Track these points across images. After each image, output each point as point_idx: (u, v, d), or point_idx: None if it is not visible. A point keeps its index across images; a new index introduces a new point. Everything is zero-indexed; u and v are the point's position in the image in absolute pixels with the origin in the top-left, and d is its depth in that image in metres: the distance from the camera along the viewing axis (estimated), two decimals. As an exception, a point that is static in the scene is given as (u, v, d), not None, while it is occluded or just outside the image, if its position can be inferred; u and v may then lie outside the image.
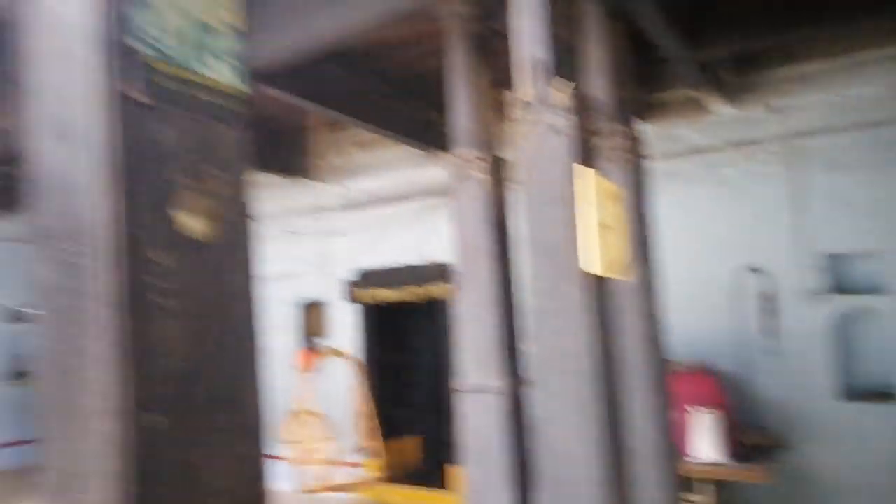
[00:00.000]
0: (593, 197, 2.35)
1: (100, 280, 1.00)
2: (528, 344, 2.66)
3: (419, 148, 5.94)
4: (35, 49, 1.07)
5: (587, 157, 2.44)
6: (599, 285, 2.43)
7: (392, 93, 5.47)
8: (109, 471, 1.02)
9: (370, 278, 7.24)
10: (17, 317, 9.07)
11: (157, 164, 1.04)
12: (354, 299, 7.49)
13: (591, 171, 2.40)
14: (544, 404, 2.66)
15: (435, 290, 6.65)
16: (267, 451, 1.22)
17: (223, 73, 1.13)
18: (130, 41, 0.99)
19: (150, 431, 1.02)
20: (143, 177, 1.02)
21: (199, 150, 1.09)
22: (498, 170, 3.42)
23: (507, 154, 3.62)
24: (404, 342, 8.35)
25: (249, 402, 1.17)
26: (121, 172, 0.99)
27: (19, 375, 9.90)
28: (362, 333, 7.65)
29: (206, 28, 1.10)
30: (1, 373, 9.39)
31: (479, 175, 3.37)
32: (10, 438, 8.95)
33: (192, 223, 1.08)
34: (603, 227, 2.38)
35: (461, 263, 3.47)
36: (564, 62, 2.52)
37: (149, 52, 1.01)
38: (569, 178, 2.38)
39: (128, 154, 1.00)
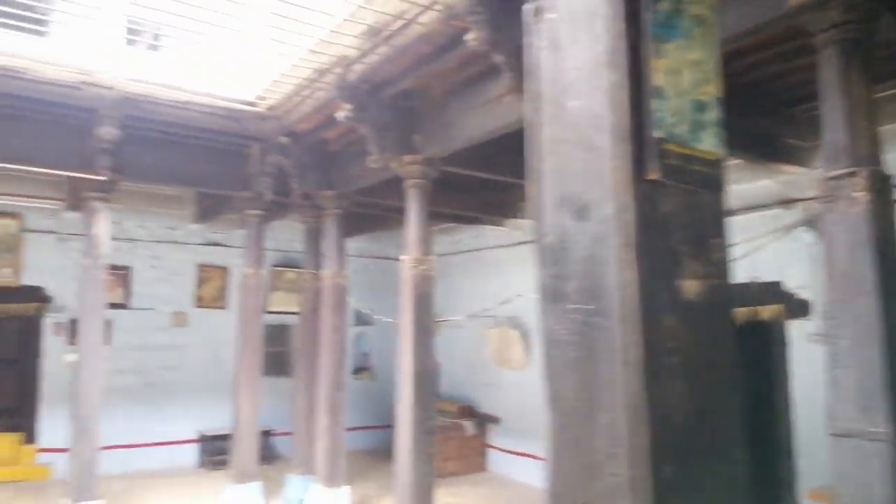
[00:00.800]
0: None
1: (617, 339, 1.13)
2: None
3: (748, 160, 5.56)
4: (551, 139, 1.25)
5: None
6: None
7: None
8: (623, 509, 1.14)
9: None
10: (363, 320, 10.69)
11: (665, 235, 1.14)
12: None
13: None
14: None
15: (762, 311, 6.14)
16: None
17: (709, 143, 1.20)
18: (649, 129, 1.11)
19: (659, 478, 1.12)
20: (654, 248, 1.13)
21: (696, 219, 1.18)
22: (881, 188, 3.03)
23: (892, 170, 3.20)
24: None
25: (736, 454, 1.22)
26: (637, 245, 1.12)
27: (360, 370, 11.63)
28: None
29: (698, 104, 1.19)
30: (350, 368, 11.12)
31: (856, 194, 3.02)
32: (356, 424, 10.54)
33: (690, 286, 1.17)
34: None
35: (833, 293, 3.14)
36: None
37: (661, 135, 1.12)
38: None
39: (642, 228, 1.12)
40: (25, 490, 8.13)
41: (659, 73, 1.12)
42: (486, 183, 7.39)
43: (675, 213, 1.15)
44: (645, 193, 1.12)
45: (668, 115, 1.13)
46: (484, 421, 9.65)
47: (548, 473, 1.28)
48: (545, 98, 1.27)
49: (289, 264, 10.27)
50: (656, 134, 1.12)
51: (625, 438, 1.12)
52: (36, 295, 8.78)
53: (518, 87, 4.20)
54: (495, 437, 9.57)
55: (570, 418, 1.23)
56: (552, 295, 1.25)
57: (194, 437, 9.76)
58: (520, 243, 8.86)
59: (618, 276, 1.12)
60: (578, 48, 1.20)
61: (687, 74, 1.17)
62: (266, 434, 9.41)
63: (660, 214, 1.14)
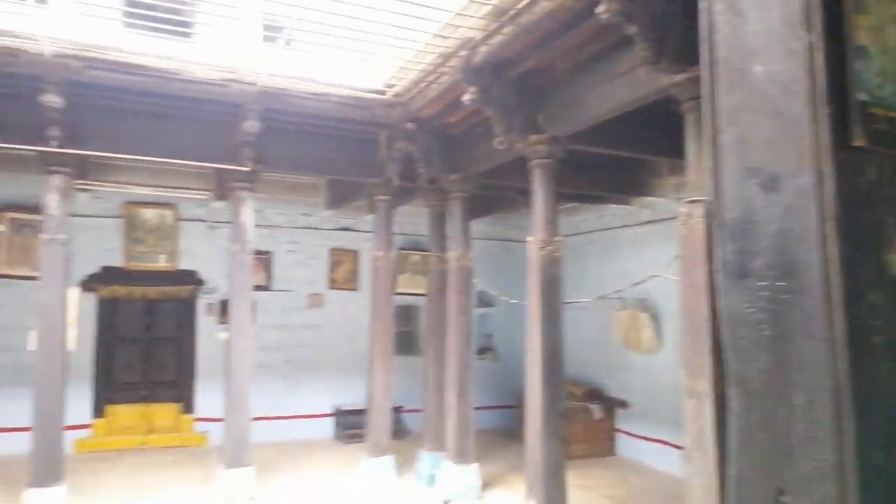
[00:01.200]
0: None
1: (817, 317, 1.07)
2: None
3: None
4: (731, 107, 1.20)
5: None
6: None
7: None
8: (823, 495, 1.08)
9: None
10: (486, 301, 10.80)
11: (870, 207, 1.06)
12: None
13: None
14: None
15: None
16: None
17: (919, 104, 1.10)
18: (851, 92, 1.03)
19: (867, 465, 1.05)
20: (858, 221, 1.05)
21: (905, 188, 1.08)
22: None
23: None
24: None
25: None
26: (838, 218, 1.04)
27: (484, 351, 11.76)
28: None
29: (905, 62, 1.08)
30: (474, 349, 11.28)
31: None
32: (480, 403, 10.70)
33: (898, 261, 1.08)
34: None
35: None
36: None
37: (866, 98, 1.04)
38: None
39: (844, 200, 1.05)
40: (185, 455, 8.98)
41: (861, 30, 1.04)
42: (613, 161, 7.18)
43: (881, 182, 1.06)
44: (846, 162, 1.04)
45: (872, 76, 1.04)
46: (612, 404, 9.47)
47: (730, 457, 1.24)
48: (723, 64, 1.21)
49: (414, 247, 10.56)
50: (860, 97, 1.03)
51: (828, 421, 1.05)
52: (190, 278, 9.62)
53: (653, 58, 4.02)
54: (624, 421, 9.37)
55: (760, 400, 1.17)
56: (736, 272, 1.20)
57: (330, 411, 10.32)
58: (648, 222, 8.55)
59: (817, 251, 1.06)
60: (764, 9, 1.13)
61: (892, 30, 1.07)
62: (396, 410, 9.78)
63: (864, 184, 1.05)
